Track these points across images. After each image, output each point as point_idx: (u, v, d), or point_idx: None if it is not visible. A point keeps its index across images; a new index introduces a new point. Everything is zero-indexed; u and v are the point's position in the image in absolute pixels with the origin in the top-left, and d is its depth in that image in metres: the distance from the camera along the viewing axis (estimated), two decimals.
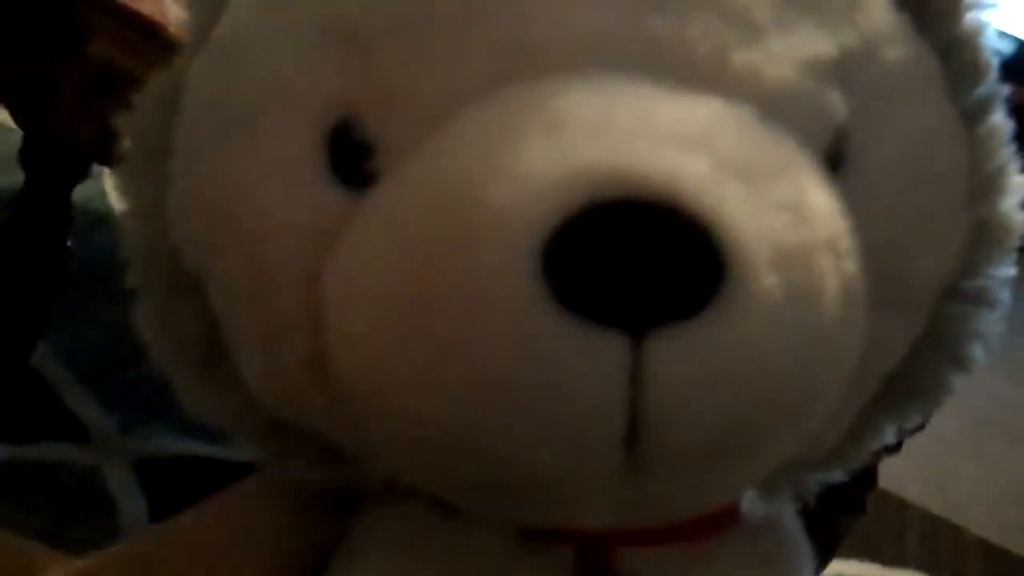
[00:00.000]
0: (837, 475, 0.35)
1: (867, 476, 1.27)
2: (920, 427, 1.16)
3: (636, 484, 0.25)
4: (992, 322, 0.32)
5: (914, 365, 0.31)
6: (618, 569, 0.31)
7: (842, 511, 1.28)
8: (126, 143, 0.31)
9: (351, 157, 0.27)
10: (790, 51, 0.26)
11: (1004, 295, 0.31)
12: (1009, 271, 0.31)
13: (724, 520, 0.33)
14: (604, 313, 0.22)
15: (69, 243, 1.25)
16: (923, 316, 0.31)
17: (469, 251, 0.23)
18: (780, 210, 0.23)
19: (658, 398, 0.22)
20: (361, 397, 0.26)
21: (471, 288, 0.22)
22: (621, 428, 0.23)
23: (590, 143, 0.23)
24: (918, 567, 1.88)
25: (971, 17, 0.31)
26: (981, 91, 0.31)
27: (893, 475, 1.96)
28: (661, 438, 0.23)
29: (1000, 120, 0.31)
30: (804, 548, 0.36)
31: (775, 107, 0.26)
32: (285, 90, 0.27)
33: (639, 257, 0.21)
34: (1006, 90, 0.31)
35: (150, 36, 0.93)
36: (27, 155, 1.21)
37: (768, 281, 0.22)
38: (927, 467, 2.16)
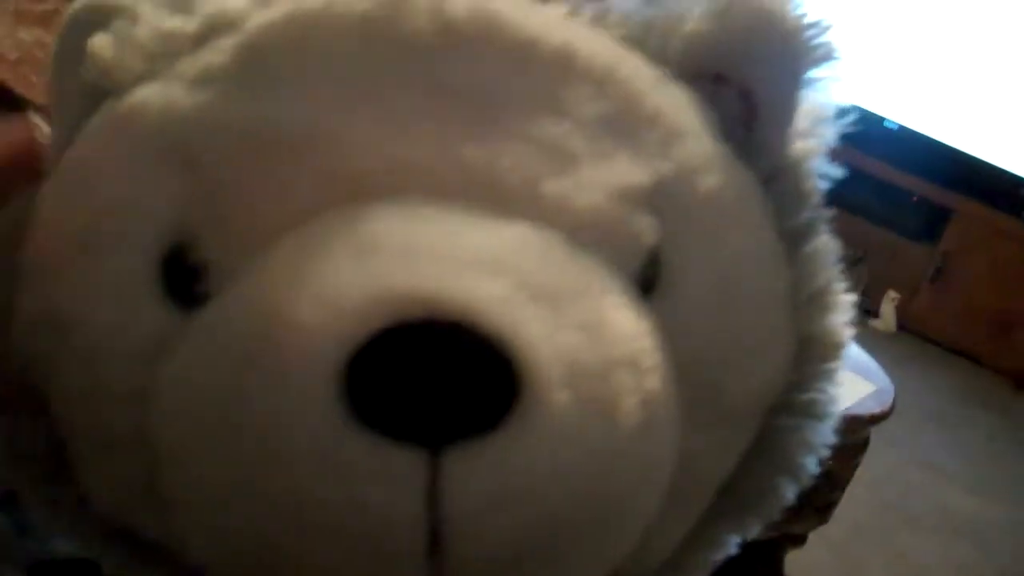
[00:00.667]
0: None
1: (774, 570, 1.27)
2: (823, 520, 1.17)
3: None
4: (822, 434, 0.33)
5: (747, 477, 0.32)
6: None
7: None
8: None
9: (184, 279, 0.27)
10: (602, 180, 0.27)
11: (832, 408, 0.32)
12: (833, 387, 0.32)
13: None
14: (402, 430, 0.22)
15: None
16: (747, 429, 0.31)
17: (275, 371, 0.23)
18: (577, 330, 0.24)
19: (454, 514, 0.23)
20: (183, 513, 0.27)
21: (276, 407, 0.23)
22: (421, 542, 0.23)
23: (394, 267, 0.24)
24: None
25: (794, 147, 0.32)
26: (805, 215, 0.32)
27: (804, 567, 1.97)
28: (460, 552, 0.23)
29: (824, 241, 0.32)
30: None
31: (584, 233, 0.27)
32: (121, 214, 0.28)
33: (436, 375, 0.22)
34: (829, 213, 0.33)
35: None
36: None
37: (561, 398, 0.23)
38: (838, 557, 2.18)
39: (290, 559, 0.24)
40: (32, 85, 1.00)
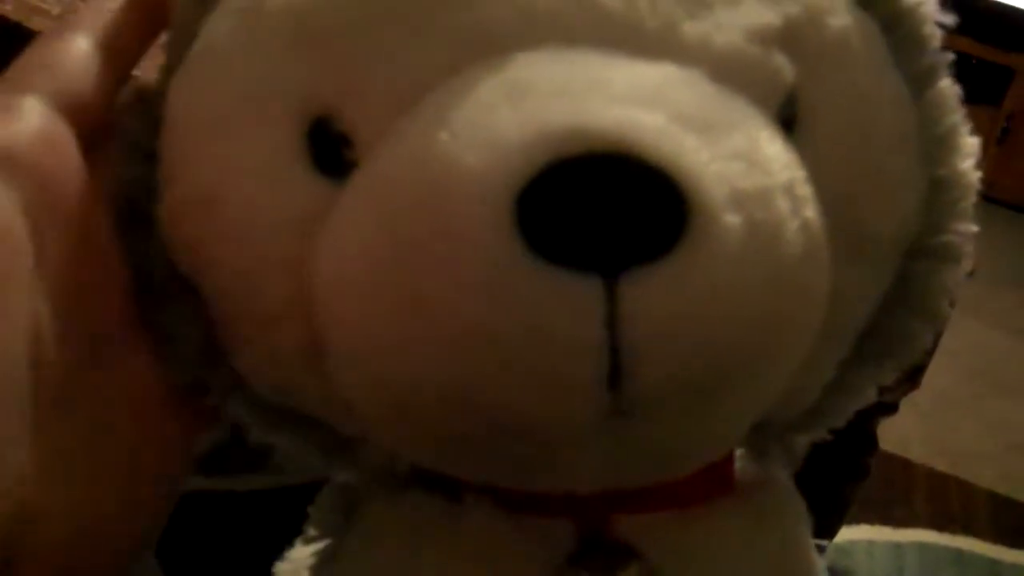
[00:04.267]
0: (821, 433, 0.36)
1: (868, 440, 1.27)
2: (915, 386, 1.17)
3: (623, 429, 0.25)
4: (958, 277, 0.33)
5: (886, 322, 0.33)
6: (617, 538, 0.32)
7: (846, 478, 1.28)
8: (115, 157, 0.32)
9: (331, 149, 0.28)
10: (737, 21, 0.28)
11: (966, 250, 0.32)
12: (970, 227, 0.32)
13: (717, 484, 0.34)
14: (577, 259, 0.23)
15: None
16: (886, 270, 0.32)
17: (444, 212, 0.24)
18: (735, 158, 0.25)
19: (634, 336, 0.23)
20: (352, 372, 0.27)
21: (448, 246, 0.23)
22: (602, 368, 0.23)
23: (551, 106, 0.24)
24: (928, 525, 1.89)
25: None
26: (926, 59, 0.32)
27: (895, 436, 1.97)
28: (640, 375, 0.24)
29: (946, 86, 0.32)
30: (799, 506, 0.37)
31: (725, 71, 0.27)
32: (259, 93, 0.29)
33: (604, 205, 0.22)
34: (949, 57, 0.33)
35: None
36: None
37: (729, 220, 0.23)
38: (928, 425, 2.18)
39: (465, 401, 0.25)
40: None
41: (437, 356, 0.24)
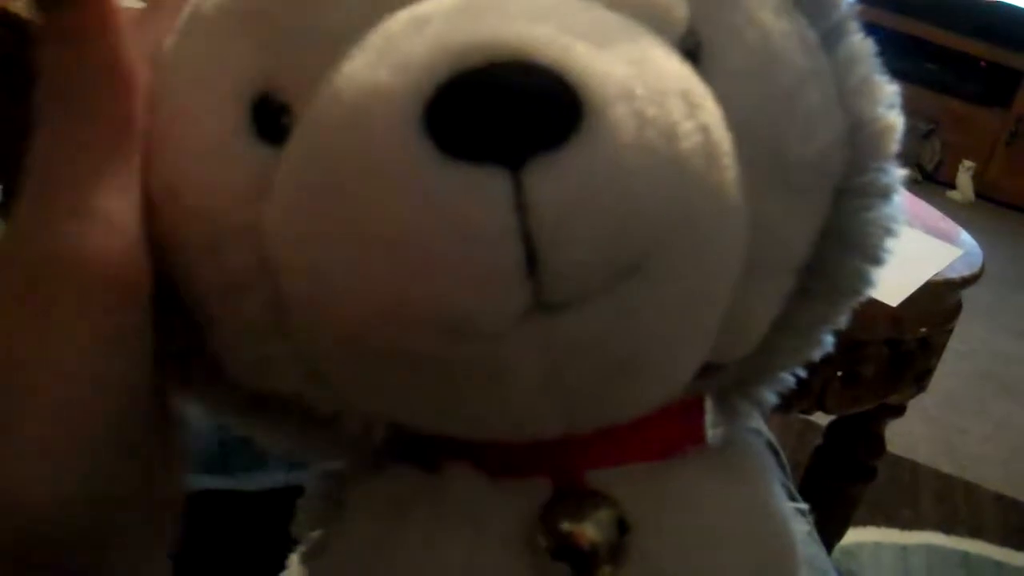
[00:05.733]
0: (781, 381, 0.38)
1: (874, 442, 1.27)
2: (922, 388, 1.17)
3: (555, 328, 0.27)
4: (891, 213, 0.35)
5: (826, 259, 0.34)
6: (591, 490, 0.33)
7: (853, 480, 1.28)
8: None
9: (273, 119, 0.30)
10: None
11: (895, 187, 0.35)
12: (897, 171, 0.35)
13: (687, 436, 0.36)
14: (482, 154, 0.25)
15: None
16: (813, 201, 0.34)
17: (362, 129, 0.26)
18: (627, 64, 0.27)
19: (541, 220, 0.25)
20: (307, 316, 0.29)
21: (368, 158, 0.26)
22: (516, 252, 0.25)
23: (451, 27, 0.27)
24: (935, 527, 1.89)
25: None
26: (833, 16, 0.34)
27: (902, 438, 1.97)
28: (553, 258, 0.25)
29: (857, 40, 0.35)
30: (769, 460, 0.38)
31: (631, 11, 0.29)
32: (206, 79, 0.31)
33: (504, 104, 0.25)
34: (853, 10, 0.35)
35: None
36: (9, 209, 1.21)
37: (620, 111, 0.26)
38: (935, 428, 2.17)
39: (405, 307, 0.26)
40: None
41: (374, 265, 0.26)
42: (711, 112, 0.28)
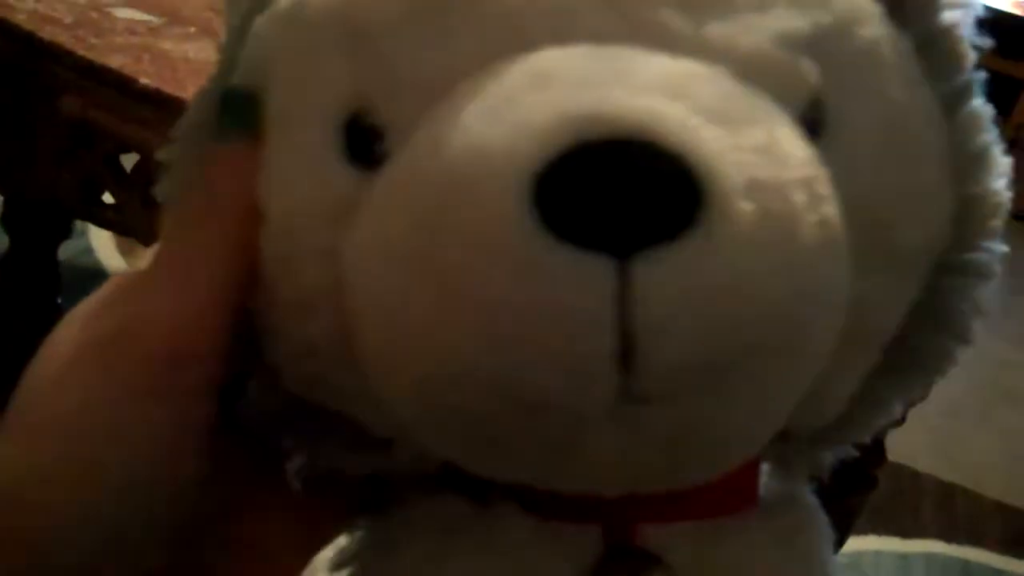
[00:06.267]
0: (846, 449, 0.37)
1: (876, 450, 1.27)
2: (923, 396, 1.16)
3: (638, 416, 0.26)
4: (986, 295, 0.33)
5: (914, 336, 0.33)
6: (643, 546, 0.33)
7: (854, 488, 1.28)
8: (172, 151, 0.34)
9: (364, 142, 0.29)
10: (764, 25, 0.28)
11: (996, 268, 0.33)
12: (1000, 246, 0.33)
13: (742, 497, 0.35)
14: (592, 239, 0.23)
15: (59, 301, 1.25)
16: (912, 281, 0.32)
17: (467, 191, 0.25)
18: (752, 150, 0.25)
19: (645, 316, 0.24)
20: (380, 357, 0.28)
21: (469, 223, 0.24)
22: (610, 343, 0.24)
23: (575, 93, 0.25)
24: (936, 536, 1.89)
25: (947, 12, 0.33)
26: (958, 79, 0.33)
27: (903, 446, 1.96)
28: (651, 355, 0.24)
29: (979, 105, 0.33)
30: (823, 524, 0.37)
31: (749, 71, 0.28)
32: (300, 93, 0.30)
33: (620, 187, 0.23)
34: (982, 76, 0.33)
35: (121, 90, 0.93)
36: (10, 218, 1.22)
37: (744, 206, 0.24)
38: (936, 436, 2.17)
39: (485, 377, 0.25)
40: (92, 47, 1.01)
41: (459, 330, 0.25)
42: (831, 201, 0.27)
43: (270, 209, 0.30)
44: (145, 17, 1.07)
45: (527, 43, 0.27)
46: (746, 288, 0.24)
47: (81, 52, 0.97)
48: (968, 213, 0.32)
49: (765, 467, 0.36)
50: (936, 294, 0.33)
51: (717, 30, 0.28)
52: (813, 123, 0.29)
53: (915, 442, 2.07)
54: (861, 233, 0.28)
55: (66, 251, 1.24)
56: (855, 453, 0.37)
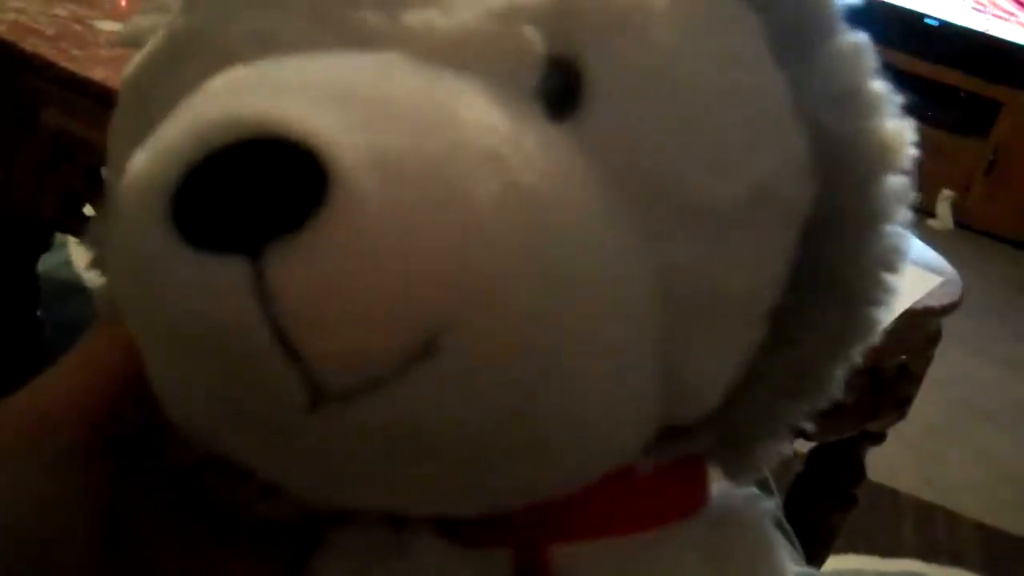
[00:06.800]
0: (783, 440, 0.34)
1: (856, 469, 1.28)
2: (902, 416, 1.17)
3: (348, 412, 0.25)
4: (889, 250, 0.31)
5: (805, 305, 0.31)
6: (553, 565, 0.31)
7: (834, 507, 1.29)
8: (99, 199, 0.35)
9: None
10: (476, 5, 0.28)
11: (890, 213, 0.31)
12: (898, 191, 0.30)
13: (665, 510, 0.33)
14: (222, 242, 0.23)
15: (39, 314, 1.24)
16: (760, 240, 0.30)
17: (122, 218, 0.26)
18: (398, 127, 0.24)
19: (284, 307, 0.23)
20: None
21: (125, 250, 0.26)
22: (269, 341, 0.23)
23: (209, 103, 0.25)
24: (915, 555, 1.89)
25: None
26: (811, 12, 0.31)
27: (882, 466, 1.97)
28: (308, 345, 0.23)
29: (845, 40, 0.31)
30: (767, 538, 0.34)
31: (448, 57, 0.27)
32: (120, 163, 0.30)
33: (243, 186, 0.23)
34: (844, 6, 0.31)
35: (103, 102, 0.93)
36: None
37: (371, 180, 0.23)
38: (915, 455, 2.18)
39: (187, 388, 0.26)
40: (74, 59, 1.01)
41: (154, 357, 0.27)
42: (532, 168, 0.25)
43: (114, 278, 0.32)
44: None
45: (240, 60, 0.27)
46: (389, 263, 0.23)
47: (63, 64, 0.96)
48: (839, 159, 0.30)
49: (713, 474, 0.34)
50: (821, 255, 0.30)
51: (412, 17, 0.28)
52: (562, 93, 0.28)
53: (895, 461, 2.08)
54: (648, 197, 0.27)
55: (45, 264, 1.23)
56: (790, 451, 0.34)
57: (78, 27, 1.06)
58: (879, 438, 1.23)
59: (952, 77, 3.55)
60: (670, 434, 0.30)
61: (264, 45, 0.28)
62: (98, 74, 0.95)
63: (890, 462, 2.05)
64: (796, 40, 0.30)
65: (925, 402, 1.35)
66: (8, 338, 1.14)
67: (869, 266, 0.31)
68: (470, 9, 0.28)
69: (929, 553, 1.90)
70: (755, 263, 0.30)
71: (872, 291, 0.31)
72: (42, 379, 0.33)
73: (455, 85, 0.26)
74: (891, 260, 0.31)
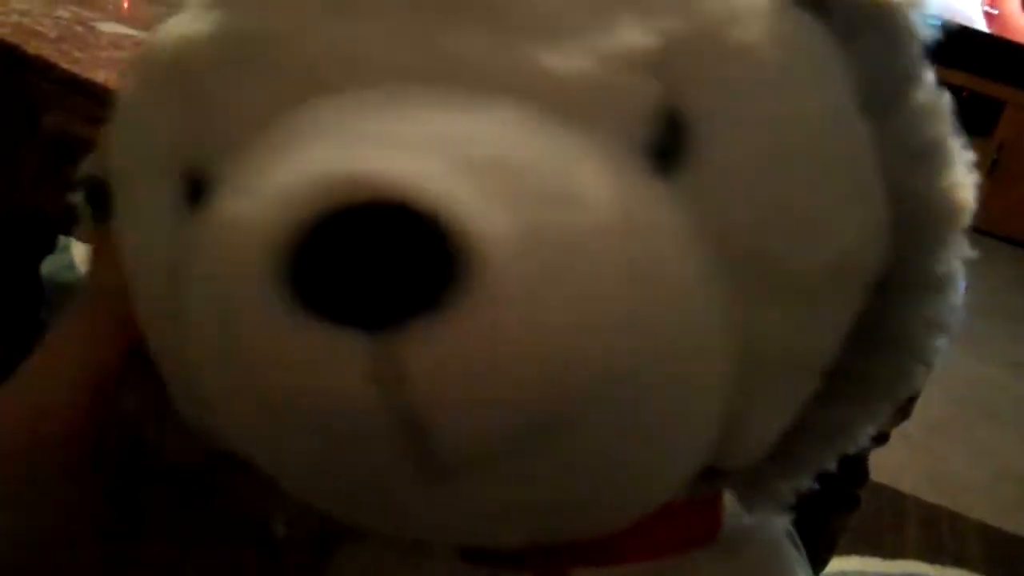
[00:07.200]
0: (805, 480, 0.33)
1: (858, 470, 1.27)
2: (905, 416, 1.17)
3: (453, 485, 0.24)
4: (945, 308, 0.30)
5: (865, 358, 0.30)
6: None
7: (837, 508, 1.28)
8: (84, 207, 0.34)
9: (199, 192, 0.28)
10: (590, 48, 0.26)
11: (954, 279, 0.29)
12: (962, 253, 0.29)
13: (688, 536, 0.33)
14: (345, 313, 0.22)
15: (42, 316, 1.24)
16: (836, 304, 0.29)
17: (223, 272, 0.24)
18: (534, 203, 0.23)
19: (415, 390, 0.22)
20: (213, 416, 0.28)
21: (227, 304, 0.23)
22: (387, 422, 0.22)
23: (332, 154, 0.23)
24: (919, 556, 1.89)
25: None
26: (899, 66, 0.29)
27: (885, 467, 1.96)
28: (436, 428, 0.23)
29: (929, 93, 0.29)
30: (788, 558, 0.35)
31: (561, 106, 0.25)
32: (144, 143, 0.30)
33: (373, 256, 0.21)
34: (925, 60, 0.29)
35: (105, 104, 0.93)
36: None
37: (509, 265, 0.22)
38: (918, 455, 2.17)
39: (283, 452, 0.25)
40: (76, 61, 1.01)
41: (244, 414, 0.25)
42: (655, 241, 0.25)
43: (130, 262, 0.30)
44: (130, 31, 1.07)
45: (327, 89, 0.26)
46: (527, 350, 0.22)
47: (65, 66, 0.97)
48: (913, 218, 0.28)
49: (729, 502, 0.34)
50: (883, 312, 0.29)
51: (527, 59, 0.25)
52: (668, 147, 0.26)
53: (898, 462, 2.08)
54: (742, 261, 0.26)
55: (49, 266, 1.23)
56: (812, 485, 0.34)
57: (80, 29, 1.06)
58: (883, 439, 1.22)
59: (956, 77, 3.55)
60: (706, 474, 0.30)
61: (351, 68, 0.26)
62: (100, 76, 0.95)
63: (893, 463, 2.04)
64: (882, 91, 0.29)
65: (928, 403, 1.35)
66: (11, 340, 1.14)
67: (927, 327, 0.30)
68: (581, 50, 0.26)
69: (932, 554, 1.90)
70: (830, 325, 0.29)
71: (927, 352, 0.30)
72: (33, 373, 0.32)
73: (576, 145, 0.25)
74: (948, 322, 0.30)
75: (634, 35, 0.26)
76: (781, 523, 0.35)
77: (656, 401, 0.26)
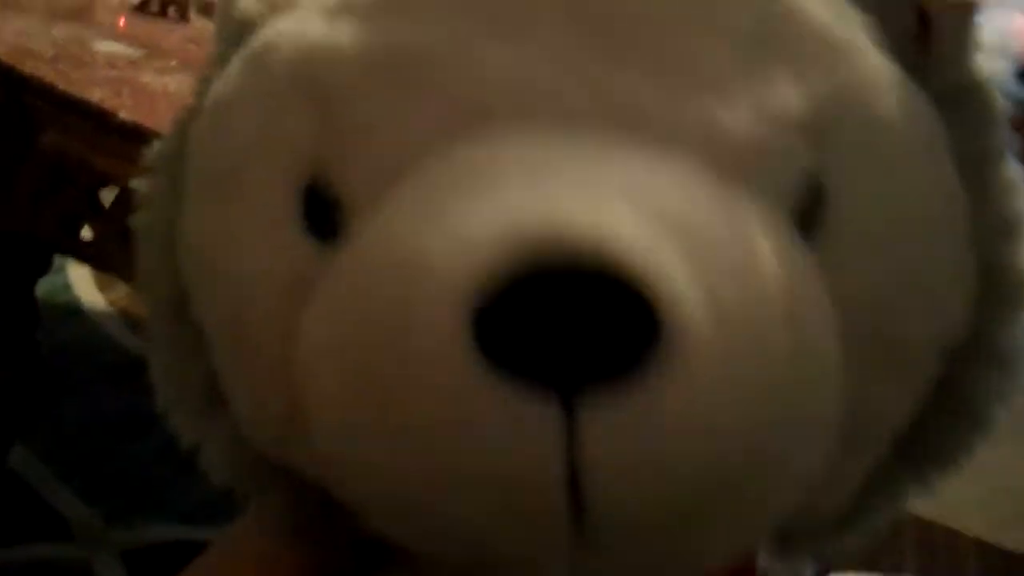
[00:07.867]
0: (854, 541, 0.33)
1: None
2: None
3: (596, 556, 0.24)
4: (1012, 382, 0.30)
5: (931, 428, 0.30)
6: None
7: None
8: (139, 200, 0.33)
9: (323, 210, 0.27)
10: (754, 103, 0.25)
11: (1021, 350, 0.29)
12: None
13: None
14: (535, 371, 0.21)
15: (37, 337, 1.24)
16: (925, 376, 0.28)
17: (406, 309, 0.23)
18: (723, 273, 0.23)
19: (593, 465, 0.22)
20: (329, 447, 0.26)
21: (407, 346, 0.22)
22: (560, 494, 0.22)
23: (523, 201, 0.22)
24: (915, 573, 1.88)
25: (977, 64, 0.29)
26: (990, 140, 0.29)
27: None
28: (602, 507, 0.22)
29: (1011, 168, 0.29)
30: None
31: (732, 164, 0.25)
32: (258, 152, 0.28)
33: (569, 317, 0.21)
34: (1016, 139, 0.30)
35: (101, 124, 0.93)
36: None
37: (706, 341, 0.22)
38: None
39: (426, 506, 0.24)
40: (72, 81, 1.01)
41: (396, 457, 0.24)
42: (815, 322, 0.24)
43: (226, 269, 0.28)
44: (125, 50, 1.08)
45: (492, 120, 0.25)
46: (704, 437, 0.22)
47: (61, 86, 0.97)
48: (994, 293, 0.29)
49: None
50: (955, 383, 0.29)
51: (695, 110, 0.25)
52: (809, 214, 0.26)
53: None
54: (863, 334, 0.26)
55: (44, 287, 1.23)
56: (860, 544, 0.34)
57: (76, 48, 1.06)
58: None
59: None
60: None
61: (519, 99, 0.25)
62: (95, 95, 0.96)
63: None
64: (974, 165, 0.29)
65: None
66: (6, 361, 1.14)
67: (992, 399, 0.30)
68: (747, 106, 0.25)
69: (929, 570, 1.90)
70: (918, 394, 0.29)
71: (989, 423, 0.30)
72: None
73: (749, 210, 0.24)
74: (1010, 397, 0.30)
75: (789, 94, 0.26)
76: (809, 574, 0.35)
77: (780, 482, 0.25)
